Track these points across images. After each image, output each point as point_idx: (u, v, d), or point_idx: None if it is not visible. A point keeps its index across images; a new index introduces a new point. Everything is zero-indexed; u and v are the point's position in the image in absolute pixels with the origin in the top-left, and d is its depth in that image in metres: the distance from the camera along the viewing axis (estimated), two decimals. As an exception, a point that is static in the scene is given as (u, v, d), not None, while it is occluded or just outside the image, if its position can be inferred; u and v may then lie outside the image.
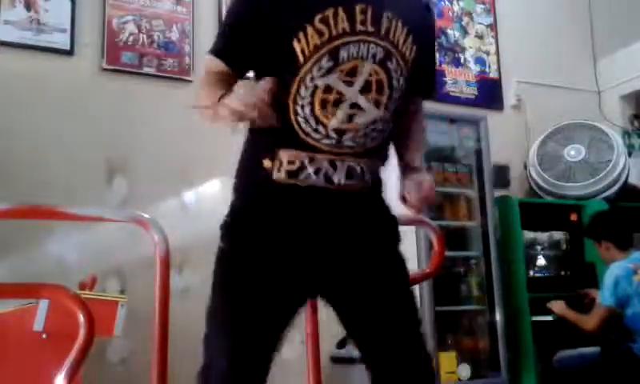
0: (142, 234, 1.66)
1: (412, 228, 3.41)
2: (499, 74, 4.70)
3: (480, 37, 4.69)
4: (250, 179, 1.37)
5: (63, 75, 3.34)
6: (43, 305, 2.23)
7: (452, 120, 3.85)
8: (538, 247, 4.17)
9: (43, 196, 2.90)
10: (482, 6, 4.76)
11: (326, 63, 1.28)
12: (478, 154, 3.85)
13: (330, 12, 1.28)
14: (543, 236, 4.19)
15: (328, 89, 1.29)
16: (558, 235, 4.22)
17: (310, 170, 1.30)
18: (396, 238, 1.45)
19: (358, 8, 1.30)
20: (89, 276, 2.62)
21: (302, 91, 1.29)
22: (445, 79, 4.44)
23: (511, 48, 4.75)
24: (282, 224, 1.31)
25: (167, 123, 3.42)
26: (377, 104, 1.33)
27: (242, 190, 1.39)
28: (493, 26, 4.76)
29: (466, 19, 4.66)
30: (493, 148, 3.88)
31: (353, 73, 1.30)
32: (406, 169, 1.50)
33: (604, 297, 3.20)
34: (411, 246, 3.44)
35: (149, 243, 1.63)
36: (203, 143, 3.21)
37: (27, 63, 3.27)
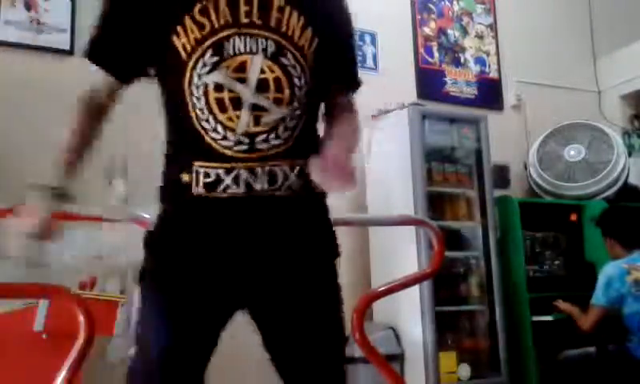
0: (142, 234, 1.66)
1: (412, 228, 3.42)
2: (499, 73, 4.70)
3: (480, 37, 4.69)
4: (172, 193, 1.27)
5: (63, 75, 3.33)
6: (43, 305, 2.24)
7: (452, 120, 3.84)
8: (538, 247, 4.17)
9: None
10: (482, 6, 4.76)
11: (209, 58, 1.17)
12: (478, 153, 3.85)
13: (209, 2, 1.18)
14: (543, 236, 4.19)
15: (219, 87, 1.18)
16: (558, 235, 4.22)
17: (228, 180, 1.19)
18: (330, 252, 1.32)
19: None
20: (89, 276, 2.62)
21: (195, 91, 1.19)
22: (445, 79, 4.44)
23: (511, 48, 4.75)
24: (205, 240, 1.22)
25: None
26: (278, 102, 1.20)
27: (165, 204, 1.30)
28: (493, 26, 4.76)
29: (466, 19, 4.66)
30: (493, 148, 3.88)
31: (242, 69, 1.18)
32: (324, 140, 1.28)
33: (596, 297, 3.20)
34: (411, 246, 3.44)
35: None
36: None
37: (27, 63, 3.27)
